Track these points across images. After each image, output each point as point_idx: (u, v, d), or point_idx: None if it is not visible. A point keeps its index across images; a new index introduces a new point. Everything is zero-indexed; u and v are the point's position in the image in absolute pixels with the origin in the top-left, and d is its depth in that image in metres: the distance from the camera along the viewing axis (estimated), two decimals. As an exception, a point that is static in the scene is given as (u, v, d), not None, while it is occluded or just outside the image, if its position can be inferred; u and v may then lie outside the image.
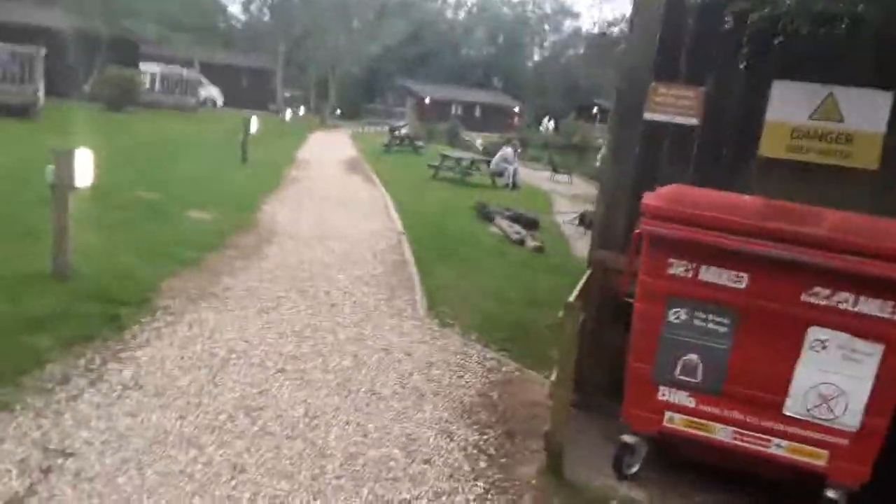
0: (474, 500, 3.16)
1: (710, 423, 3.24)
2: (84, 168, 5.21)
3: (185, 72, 28.87)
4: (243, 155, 14.17)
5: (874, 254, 2.87)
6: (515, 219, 10.65)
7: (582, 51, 57.11)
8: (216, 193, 10.19)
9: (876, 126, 3.64)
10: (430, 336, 5.26)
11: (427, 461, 3.44)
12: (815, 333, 3.03)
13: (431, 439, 3.66)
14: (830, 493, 3.09)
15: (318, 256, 7.38)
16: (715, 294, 3.14)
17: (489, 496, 3.21)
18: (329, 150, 22.18)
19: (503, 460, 3.56)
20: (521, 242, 9.32)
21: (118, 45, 23.96)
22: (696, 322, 3.21)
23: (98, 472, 2.97)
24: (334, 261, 7.28)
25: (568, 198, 16.74)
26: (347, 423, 3.72)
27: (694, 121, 3.99)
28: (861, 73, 3.61)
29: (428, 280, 6.80)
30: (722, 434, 3.23)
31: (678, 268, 3.20)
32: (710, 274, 3.15)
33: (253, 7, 51.12)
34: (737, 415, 3.19)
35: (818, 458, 3.11)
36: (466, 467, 3.43)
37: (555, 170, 21.75)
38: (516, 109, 55.23)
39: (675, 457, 3.53)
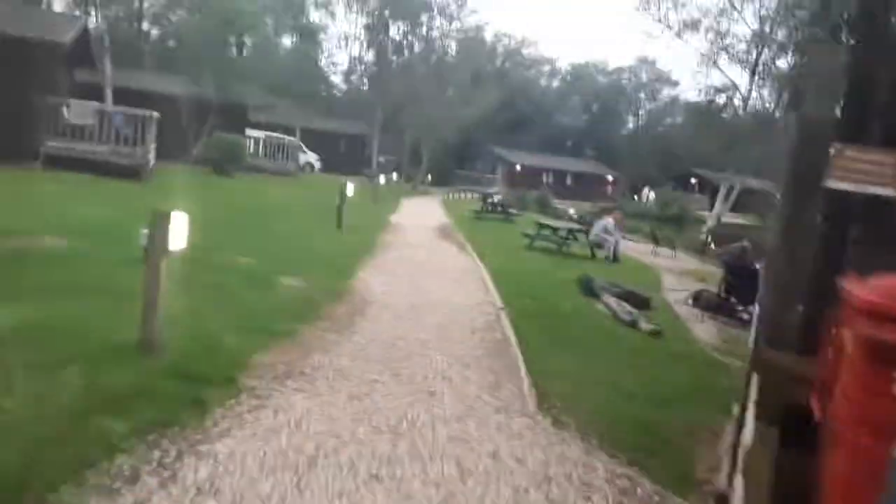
0: None
1: None
2: (179, 231, 4.92)
3: (286, 139, 30.89)
4: (339, 220, 14.10)
5: None
6: (625, 296, 9.69)
7: (680, 119, 56.04)
8: (310, 259, 9.97)
9: None
10: (544, 439, 4.50)
11: None
12: None
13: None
14: None
15: (412, 332, 6.84)
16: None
17: None
18: (421, 215, 22.12)
19: None
20: (633, 324, 8.39)
21: (228, 110, 25.15)
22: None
23: None
24: (430, 337, 6.71)
25: (675, 274, 15.63)
26: (454, 558, 3.03)
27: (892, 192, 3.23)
28: None
29: (534, 366, 6.08)
30: None
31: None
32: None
33: (353, 77, 53.50)
34: None
35: None
36: None
37: (656, 242, 20.68)
38: (610, 178, 54.33)
39: None
